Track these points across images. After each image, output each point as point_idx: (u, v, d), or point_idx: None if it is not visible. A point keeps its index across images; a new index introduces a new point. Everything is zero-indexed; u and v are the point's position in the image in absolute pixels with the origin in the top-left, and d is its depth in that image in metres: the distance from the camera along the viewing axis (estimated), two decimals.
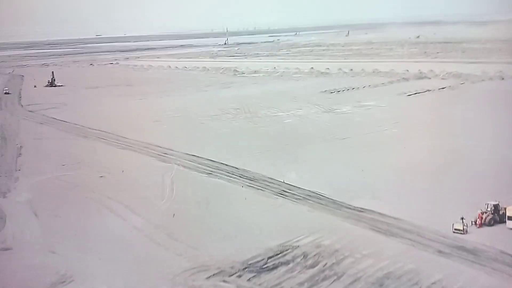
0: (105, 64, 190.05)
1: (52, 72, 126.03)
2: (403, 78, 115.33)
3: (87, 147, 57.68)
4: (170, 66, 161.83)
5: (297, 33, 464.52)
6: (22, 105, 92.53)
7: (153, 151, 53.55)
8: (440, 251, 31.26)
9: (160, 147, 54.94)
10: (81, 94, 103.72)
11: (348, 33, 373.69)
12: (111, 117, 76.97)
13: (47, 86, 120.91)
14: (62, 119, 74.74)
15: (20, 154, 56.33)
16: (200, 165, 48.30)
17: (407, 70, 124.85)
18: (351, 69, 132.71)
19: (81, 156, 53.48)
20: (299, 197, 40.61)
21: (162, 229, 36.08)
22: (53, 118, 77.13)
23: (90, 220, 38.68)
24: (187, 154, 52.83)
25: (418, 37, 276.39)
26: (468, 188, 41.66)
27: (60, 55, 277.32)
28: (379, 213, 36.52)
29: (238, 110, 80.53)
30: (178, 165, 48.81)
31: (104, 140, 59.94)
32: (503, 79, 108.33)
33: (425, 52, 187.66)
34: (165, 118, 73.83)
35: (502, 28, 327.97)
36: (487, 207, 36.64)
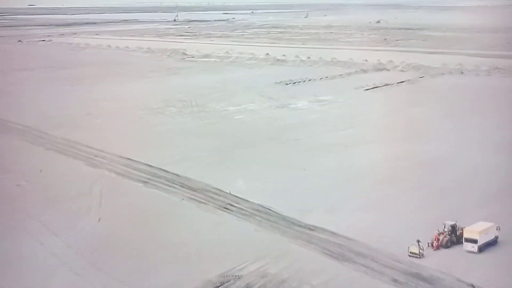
0: (36, 41, 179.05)
1: None
2: (362, 69, 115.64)
3: (5, 146, 52.46)
4: (110, 46, 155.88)
5: (254, 11, 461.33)
6: None
7: (82, 153, 48.97)
8: (395, 280, 30.48)
9: (91, 147, 50.52)
10: (4, 79, 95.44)
11: (307, 14, 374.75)
12: (37, 108, 70.87)
13: None
14: None
15: None
16: (135, 171, 44.76)
17: (366, 60, 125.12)
18: (309, 57, 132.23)
19: None
20: (246, 213, 38.74)
21: (84, 255, 32.73)
22: None
23: None
24: (121, 157, 49.79)
25: (378, 21, 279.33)
26: (426, 202, 41.13)
27: None
28: (331, 232, 35.41)
29: (184, 102, 77.68)
30: (110, 171, 44.85)
31: (27, 138, 54.84)
32: (462, 73, 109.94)
33: (385, 39, 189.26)
34: (99, 110, 68.13)
35: (461, 15, 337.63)
36: (444, 227, 36.50)
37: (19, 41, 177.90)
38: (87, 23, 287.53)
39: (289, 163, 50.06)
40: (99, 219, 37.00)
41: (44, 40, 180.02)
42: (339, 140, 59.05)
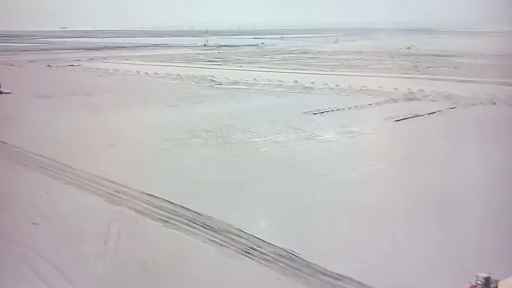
0: (64, 65, 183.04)
1: None
2: (392, 98, 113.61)
3: (24, 180, 50.05)
4: (139, 71, 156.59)
5: (283, 36, 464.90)
6: None
7: (102, 188, 46.73)
8: None
9: (112, 182, 48.02)
10: (29, 105, 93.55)
11: (337, 39, 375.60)
12: (60, 138, 68.11)
13: None
14: (0, 140, 66.11)
15: None
16: (156, 209, 42.44)
17: (396, 89, 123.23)
18: (338, 85, 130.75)
19: (15, 193, 46.25)
20: (268, 258, 36.20)
21: None
22: None
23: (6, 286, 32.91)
24: (143, 192, 48.95)
25: (409, 48, 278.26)
26: (459, 249, 37.88)
27: (14, 51, 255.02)
28: (358, 283, 32.69)
29: (209, 133, 76.35)
30: (130, 208, 42.56)
31: (47, 171, 52.28)
32: (494, 103, 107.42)
33: (416, 65, 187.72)
34: (122, 141, 64.89)
35: (494, 41, 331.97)
36: (477, 279, 33.77)
37: (48, 65, 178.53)
38: (118, 47, 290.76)
39: (314, 200, 48.60)
40: (114, 263, 35.00)
41: (72, 65, 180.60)
42: (366, 176, 56.52)
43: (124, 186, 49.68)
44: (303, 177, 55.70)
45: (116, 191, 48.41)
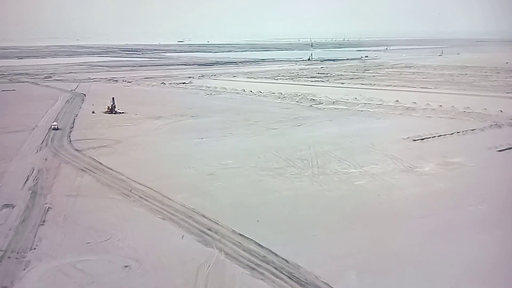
0: (177, 83, 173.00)
1: (113, 98, 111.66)
2: (496, 123, 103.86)
3: (123, 214, 47.43)
4: (244, 90, 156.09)
5: (388, 48, 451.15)
6: (70, 140, 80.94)
7: (196, 225, 44.01)
8: None
9: (206, 217, 45.46)
10: (140, 127, 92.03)
11: (442, 52, 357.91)
12: (162, 166, 65.09)
13: (106, 112, 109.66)
14: (108, 166, 63.67)
15: (43, 221, 46.24)
16: (244, 253, 39.14)
17: (501, 111, 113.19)
18: (441, 105, 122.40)
19: (112, 229, 43.71)
20: None
21: None
22: (99, 162, 65.95)
23: None
24: (234, 232, 42.69)
25: None
26: None
27: (133, 66, 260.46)
28: None
29: (305, 162, 72.89)
30: (220, 251, 39.39)
31: (146, 204, 49.80)
32: None
33: None
34: (221, 170, 61.86)
35: None
36: None
37: (162, 83, 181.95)
38: (228, 63, 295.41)
39: (410, 250, 40.78)
40: None
41: (184, 82, 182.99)
42: (466, 220, 50.43)
43: (217, 223, 47.96)
44: (399, 219, 50.25)
45: (209, 229, 46.78)
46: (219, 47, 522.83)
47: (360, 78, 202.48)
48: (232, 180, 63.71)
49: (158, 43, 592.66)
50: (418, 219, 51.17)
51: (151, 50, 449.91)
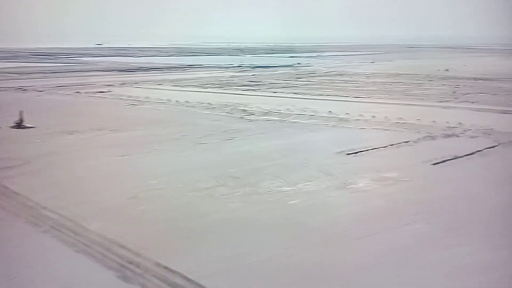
0: (94, 92, 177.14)
1: (21, 111, 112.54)
2: (430, 134, 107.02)
3: (32, 247, 49.54)
4: (170, 100, 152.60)
5: (319, 55, 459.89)
6: None
7: (115, 258, 45.36)
8: None
9: (127, 248, 47.47)
10: (52, 144, 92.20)
11: (374, 59, 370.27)
12: (77, 188, 67.56)
13: (13, 127, 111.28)
14: (14, 190, 65.77)
15: None
16: None
17: (434, 121, 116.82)
18: (374, 116, 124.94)
19: (18, 266, 45.25)
20: None
21: None
22: (3, 186, 68.05)
23: None
24: (158, 265, 44.68)
25: (447, 70, 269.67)
26: None
27: (45, 72, 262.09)
28: None
29: (236, 180, 70.99)
30: (143, 287, 41.86)
31: (58, 233, 51.96)
32: None
33: (455, 91, 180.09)
34: (144, 192, 64.49)
35: None
36: None
37: (77, 92, 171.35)
38: (152, 68, 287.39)
39: (352, 274, 43.74)
40: None
41: (102, 91, 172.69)
42: (404, 242, 50.74)
43: (139, 255, 44.99)
44: (335, 243, 49.91)
45: (130, 262, 43.79)
46: (142, 51, 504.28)
47: (292, 86, 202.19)
48: (157, 204, 60.35)
49: (74, 46, 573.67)
50: (354, 240, 50.81)
51: (66, 54, 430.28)
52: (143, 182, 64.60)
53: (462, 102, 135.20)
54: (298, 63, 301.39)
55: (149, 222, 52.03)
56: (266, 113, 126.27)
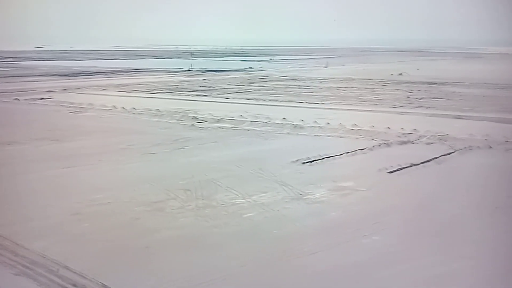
0: (34, 99, 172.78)
1: None
2: (385, 141, 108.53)
3: None
4: (115, 106, 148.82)
5: (272, 58, 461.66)
6: None
7: (57, 280, 44.72)
8: None
9: (70, 269, 46.37)
10: None
11: (327, 63, 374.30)
12: (17, 205, 66.20)
13: None
14: None
15: None
16: None
17: (389, 128, 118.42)
18: (328, 123, 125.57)
19: None
20: None
21: None
22: None
23: None
24: (104, 286, 43.84)
25: (400, 74, 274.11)
26: None
27: None
28: None
29: (188, 193, 69.72)
30: None
31: None
32: (490, 147, 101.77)
33: (409, 96, 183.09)
34: (89, 207, 62.87)
35: (487, 65, 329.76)
36: None
37: (16, 98, 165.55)
38: (95, 73, 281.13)
39: None
40: None
41: (43, 98, 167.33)
42: (361, 255, 50.92)
43: (84, 277, 43.53)
44: (290, 258, 49.66)
45: (74, 284, 42.15)
46: (85, 54, 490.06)
47: (245, 92, 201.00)
48: (102, 220, 58.29)
49: (12, 49, 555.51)
50: (310, 256, 50.47)
51: (3, 58, 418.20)
52: (87, 197, 62.45)
53: (417, 107, 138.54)
54: (250, 67, 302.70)
55: (94, 241, 50.16)
56: (218, 120, 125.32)
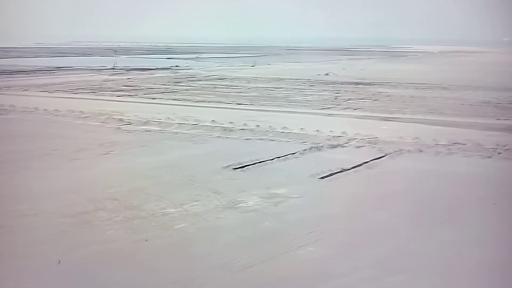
0: None
1: None
2: (315, 145, 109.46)
3: None
4: (37, 108, 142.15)
5: (198, 56, 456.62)
6: None
7: None
8: None
9: None
10: None
11: (255, 62, 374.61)
12: None
13: None
14: None
15: None
16: None
17: (318, 131, 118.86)
18: (258, 125, 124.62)
19: None
20: None
21: None
22: None
23: None
24: None
25: (327, 74, 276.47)
26: None
27: None
28: None
29: (116, 202, 66.92)
30: None
31: None
32: (421, 151, 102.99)
33: (336, 97, 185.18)
34: (11, 219, 58.89)
35: (414, 64, 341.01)
36: None
37: None
38: (16, 72, 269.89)
39: None
40: None
41: None
42: (297, 269, 50.33)
43: None
44: (225, 272, 48.31)
45: None
46: (4, 51, 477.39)
47: (172, 92, 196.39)
48: (26, 233, 54.96)
49: None
50: (242, 271, 49.18)
51: None
52: (9, 208, 58.65)
53: (345, 109, 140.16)
54: (177, 66, 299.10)
55: (18, 256, 47.09)
56: (145, 123, 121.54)
